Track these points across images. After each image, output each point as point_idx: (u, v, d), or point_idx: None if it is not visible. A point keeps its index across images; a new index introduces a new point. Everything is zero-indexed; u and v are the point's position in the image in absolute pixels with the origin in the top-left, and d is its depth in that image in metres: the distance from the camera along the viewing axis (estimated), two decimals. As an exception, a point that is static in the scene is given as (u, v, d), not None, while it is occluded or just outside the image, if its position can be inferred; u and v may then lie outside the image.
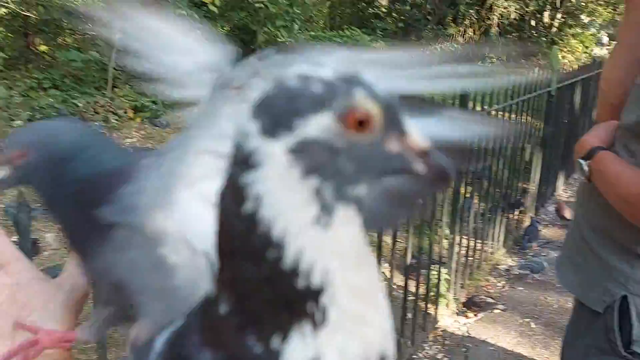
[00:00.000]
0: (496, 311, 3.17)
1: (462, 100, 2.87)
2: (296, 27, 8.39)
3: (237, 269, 0.27)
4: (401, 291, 2.75)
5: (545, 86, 4.05)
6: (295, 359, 0.27)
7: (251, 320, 0.28)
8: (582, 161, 1.29)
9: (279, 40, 8.26)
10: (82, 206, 0.47)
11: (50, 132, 0.49)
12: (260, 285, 0.27)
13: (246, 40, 8.60)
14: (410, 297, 2.69)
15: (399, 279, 2.70)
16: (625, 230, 1.20)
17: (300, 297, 0.27)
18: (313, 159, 0.26)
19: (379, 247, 2.34)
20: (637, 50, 1.38)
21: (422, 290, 2.88)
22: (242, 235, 0.27)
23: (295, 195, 0.26)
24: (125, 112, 6.83)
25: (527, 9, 14.69)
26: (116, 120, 6.63)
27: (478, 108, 2.99)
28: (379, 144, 0.27)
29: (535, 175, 4.38)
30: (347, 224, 0.28)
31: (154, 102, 7.09)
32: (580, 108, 5.36)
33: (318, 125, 0.26)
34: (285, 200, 0.26)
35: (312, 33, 10.40)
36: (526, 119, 3.83)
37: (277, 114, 0.26)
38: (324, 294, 0.27)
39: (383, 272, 2.29)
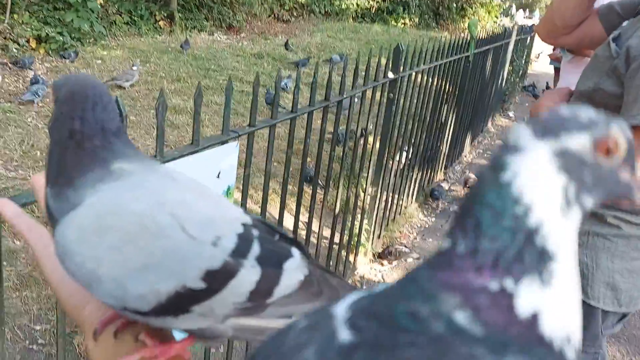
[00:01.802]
0: (409, 260, 3.41)
1: (395, 59, 2.98)
2: None
3: (480, 216, 0.33)
4: (325, 240, 2.89)
5: (464, 51, 4.26)
6: (523, 303, 0.31)
7: (488, 262, 0.32)
8: None
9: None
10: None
11: (69, 78, 0.53)
12: (500, 233, 0.32)
13: None
14: (334, 246, 2.83)
15: (323, 229, 2.82)
16: None
17: (537, 254, 0.32)
18: (568, 163, 0.33)
19: (312, 198, 2.43)
20: None
21: (344, 239, 3.03)
22: (493, 194, 0.33)
23: (549, 182, 0.33)
24: (28, 42, 6.28)
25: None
26: (17, 49, 6.09)
27: (408, 67, 3.11)
28: (615, 170, 0.34)
29: (448, 136, 4.65)
30: (575, 223, 0.34)
31: (60, 34, 6.58)
32: (490, 75, 5.70)
33: (578, 141, 0.33)
34: (540, 182, 0.33)
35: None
36: (446, 81, 4.03)
37: (549, 126, 0.33)
38: (552, 261, 0.32)
39: (308, 222, 2.39)
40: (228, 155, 1.71)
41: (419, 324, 0.31)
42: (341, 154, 2.67)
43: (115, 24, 8.15)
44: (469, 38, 4.43)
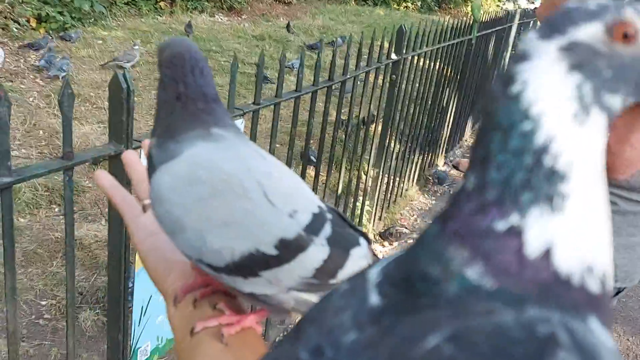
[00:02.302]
0: (410, 241, 3.44)
1: (398, 41, 2.98)
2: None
3: (487, 142, 0.30)
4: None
5: (467, 34, 4.25)
6: (533, 240, 0.28)
7: (493, 197, 0.29)
8: None
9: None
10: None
11: (172, 41, 0.56)
12: (508, 158, 0.29)
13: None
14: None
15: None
16: None
17: (544, 176, 0.28)
18: (579, 57, 0.29)
19: (315, 179, 2.45)
20: None
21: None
22: (502, 110, 0.29)
23: (559, 85, 0.29)
24: (28, 21, 6.25)
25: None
26: (17, 29, 6.07)
27: (411, 49, 3.12)
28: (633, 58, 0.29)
29: (449, 119, 4.65)
30: (597, 132, 0.29)
31: (60, 13, 6.55)
32: (492, 58, 5.68)
33: (588, 32, 0.29)
34: (549, 87, 0.29)
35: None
36: (449, 64, 4.03)
37: (554, 23, 0.30)
38: (565, 182, 0.29)
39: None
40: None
41: (432, 286, 0.29)
42: (344, 136, 2.69)
43: (116, 4, 8.09)
44: (471, 21, 4.42)
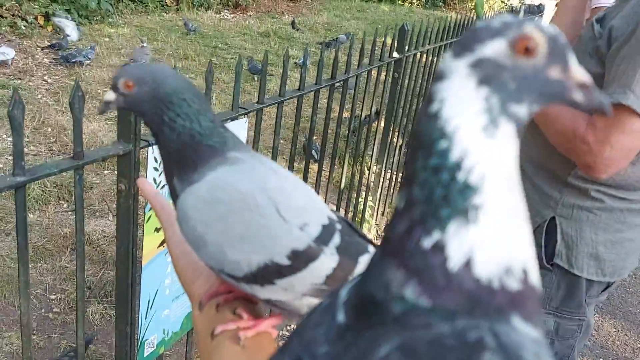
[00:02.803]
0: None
1: (400, 39, 3.01)
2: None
3: (414, 161, 0.32)
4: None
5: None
6: (454, 253, 0.30)
7: (418, 215, 0.31)
8: None
9: None
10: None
11: (160, 73, 0.58)
12: (428, 176, 0.31)
13: None
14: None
15: (328, 205, 2.88)
16: (558, 162, 1.43)
17: (458, 191, 0.31)
18: (486, 72, 0.32)
19: (318, 174, 2.50)
20: (577, 14, 1.59)
21: (349, 216, 3.10)
22: (424, 129, 0.32)
23: (470, 100, 0.31)
24: (36, 19, 6.32)
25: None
26: (25, 26, 6.13)
27: (413, 47, 3.15)
28: (541, 69, 0.32)
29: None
30: (507, 141, 0.32)
31: (67, 11, 6.61)
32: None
33: (493, 48, 0.32)
34: (461, 103, 0.31)
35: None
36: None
37: (464, 42, 0.33)
38: (478, 194, 0.31)
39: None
40: (237, 132, 1.77)
41: (380, 307, 0.32)
42: (347, 132, 2.73)
43: (122, 1, 8.15)
44: (475, 18, 4.44)
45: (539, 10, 8.00)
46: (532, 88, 0.32)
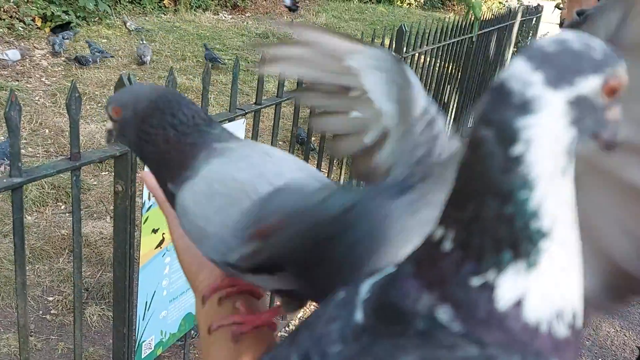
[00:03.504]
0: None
1: (398, 40, 3.02)
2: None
3: (479, 208, 0.29)
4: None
5: (468, 32, 4.28)
6: (505, 294, 0.29)
7: (473, 255, 0.29)
8: None
9: None
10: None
11: (137, 91, 0.58)
12: (498, 223, 0.28)
13: None
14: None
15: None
16: None
17: (527, 237, 0.28)
18: (579, 112, 0.28)
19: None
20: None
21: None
22: (498, 174, 0.28)
23: (558, 143, 0.28)
24: (33, 20, 6.31)
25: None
26: (23, 28, 6.13)
27: (411, 48, 3.15)
28: (604, 108, 0.29)
29: (450, 117, 4.68)
30: (572, 177, 0.29)
31: (65, 12, 6.60)
32: (494, 56, 5.71)
33: (591, 84, 0.28)
34: (550, 146, 0.28)
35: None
36: (450, 62, 4.06)
37: (562, 69, 0.28)
38: (546, 239, 0.29)
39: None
40: (235, 133, 1.77)
41: (404, 318, 0.30)
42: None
43: (120, 2, 8.15)
44: (472, 19, 4.44)
45: (536, 11, 8.00)
46: (594, 127, 0.30)
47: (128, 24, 7.27)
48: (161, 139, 0.55)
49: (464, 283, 0.29)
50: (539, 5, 8.68)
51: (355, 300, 0.34)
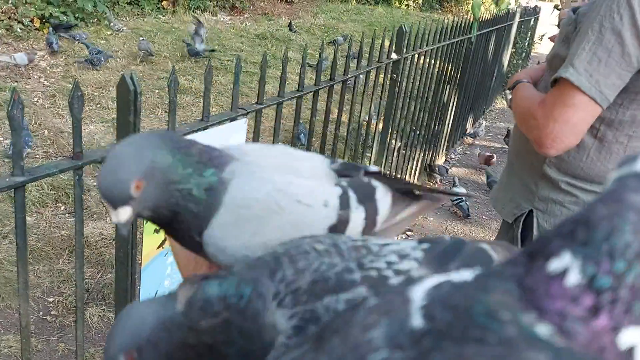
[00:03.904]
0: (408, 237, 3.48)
1: (398, 41, 3.02)
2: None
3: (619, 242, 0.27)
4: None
5: (467, 33, 4.28)
6: (628, 339, 0.28)
7: (602, 303, 0.27)
8: (507, 91, 1.58)
9: None
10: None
11: (154, 155, 0.52)
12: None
13: None
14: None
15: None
16: (533, 151, 1.43)
17: None
18: None
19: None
20: None
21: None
22: None
23: None
24: (32, 21, 6.31)
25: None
26: (22, 29, 6.12)
27: (411, 49, 3.15)
28: None
29: (450, 117, 4.69)
30: None
31: (64, 13, 6.60)
32: (493, 56, 5.71)
33: None
34: None
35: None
36: (449, 63, 4.06)
37: None
38: None
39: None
40: (236, 132, 1.77)
41: (495, 323, 0.29)
42: (345, 133, 2.73)
43: (119, 4, 8.14)
44: (471, 20, 4.45)
45: (534, 12, 8.02)
46: None
47: (112, 24, 7.27)
48: (188, 194, 0.53)
49: (582, 318, 0.28)
50: (536, 6, 8.70)
51: (408, 307, 0.32)
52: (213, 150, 0.57)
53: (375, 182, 0.61)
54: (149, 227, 1.55)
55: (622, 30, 1.20)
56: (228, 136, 1.73)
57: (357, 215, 0.58)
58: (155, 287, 1.65)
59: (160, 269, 1.65)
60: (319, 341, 0.35)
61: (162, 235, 1.61)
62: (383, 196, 0.61)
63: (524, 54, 8.43)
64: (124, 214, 0.50)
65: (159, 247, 1.61)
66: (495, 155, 4.97)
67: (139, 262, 1.61)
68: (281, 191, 0.55)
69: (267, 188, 0.54)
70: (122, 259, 1.55)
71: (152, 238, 1.58)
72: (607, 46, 1.22)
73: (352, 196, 0.58)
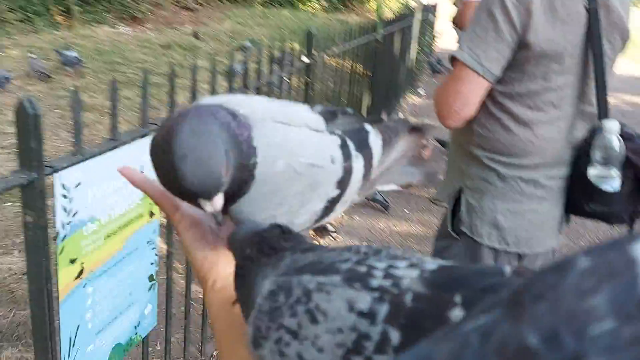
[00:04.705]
0: (336, 237, 3.51)
1: (308, 43, 3.02)
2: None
3: None
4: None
5: (373, 32, 4.38)
6: None
7: None
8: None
9: None
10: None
11: (216, 142, 0.53)
12: None
13: None
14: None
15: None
16: (462, 133, 1.56)
17: None
18: None
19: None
20: None
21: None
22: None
23: None
24: None
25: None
26: None
27: (321, 51, 3.17)
28: None
29: (364, 115, 4.78)
30: None
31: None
32: (400, 54, 5.88)
33: None
34: None
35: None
36: (359, 63, 4.13)
37: None
38: None
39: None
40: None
41: None
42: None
43: (8, 22, 7.64)
44: (377, 20, 4.56)
45: (434, 9, 8.34)
46: None
47: None
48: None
49: None
50: (436, 4, 9.06)
51: (633, 268, 0.26)
52: (235, 115, 0.56)
53: (366, 125, 0.64)
54: (63, 258, 1.44)
55: (493, 9, 1.39)
56: (141, 153, 1.65)
57: (358, 165, 0.62)
58: (76, 320, 1.55)
59: (80, 301, 1.55)
60: (515, 307, 0.28)
61: (79, 265, 1.50)
62: (375, 139, 0.64)
63: (427, 50, 8.76)
64: (219, 200, 0.51)
65: (76, 278, 1.51)
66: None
67: (56, 295, 1.50)
68: (297, 156, 0.57)
69: (287, 157, 0.57)
70: (36, 295, 1.43)
71: (68, 270, 1.47)
72: (483, 25, 1.41)
73: (351, 145, 0.61)
